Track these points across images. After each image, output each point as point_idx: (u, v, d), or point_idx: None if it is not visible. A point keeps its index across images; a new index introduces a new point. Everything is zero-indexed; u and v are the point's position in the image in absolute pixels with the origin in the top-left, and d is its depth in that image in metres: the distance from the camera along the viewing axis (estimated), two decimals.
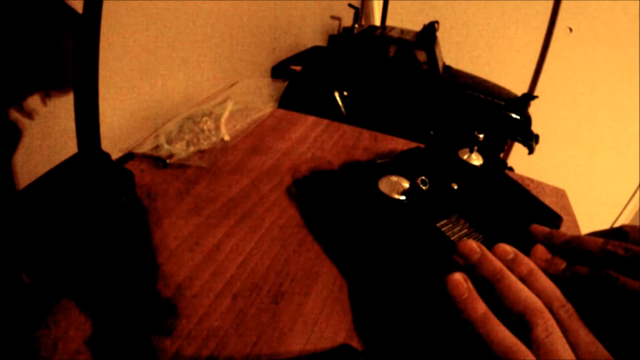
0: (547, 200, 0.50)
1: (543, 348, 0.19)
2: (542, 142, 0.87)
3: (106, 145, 0.40)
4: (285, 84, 0.69)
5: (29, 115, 0.39)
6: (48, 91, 0.40)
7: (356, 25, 0.88)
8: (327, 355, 0.30)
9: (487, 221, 0.34)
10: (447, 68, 0.92)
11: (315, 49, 0.98)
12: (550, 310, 0.21)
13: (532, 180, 0.54)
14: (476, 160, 0.41)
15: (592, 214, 1.46)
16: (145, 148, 0.50)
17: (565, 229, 0.37)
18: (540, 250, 0.26)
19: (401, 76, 0.85)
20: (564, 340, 0.20)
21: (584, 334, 0.20)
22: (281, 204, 0.45)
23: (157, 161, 0.49)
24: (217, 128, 0.55)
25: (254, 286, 0.35)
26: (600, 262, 0.23)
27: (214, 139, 0.53)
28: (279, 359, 0.30)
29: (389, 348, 0.31)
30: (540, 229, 0.27)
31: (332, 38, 0.90)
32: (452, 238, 0.32)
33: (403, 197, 0.36)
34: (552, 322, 0.20)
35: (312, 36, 1.04)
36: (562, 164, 1.46)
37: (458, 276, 0.23)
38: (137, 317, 0.31)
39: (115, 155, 0.49)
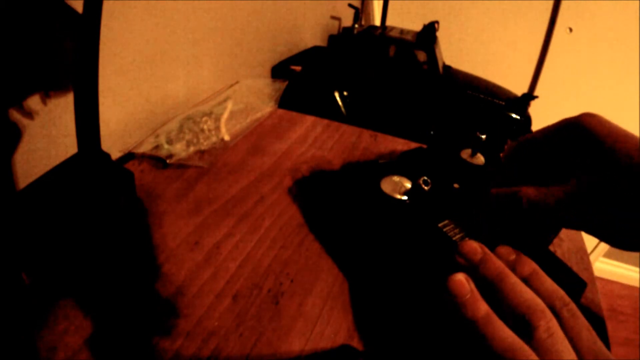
0: None
1: (545, 348, 0.19)
2: None
3: (106, 145, 0.40)
4: (285, 84, 0.69)
5: (29, 115, 0.39)
6: (48, 91, 0.40)
7: (356, 25, 0.88)
8: (327, 355, 0.30)
9: (489, 222, 0.34)
10: (447, 68, 0.92)
11: (315, 49, 0.98)
12: (553, 310, 0.21)
13: None
14: (478, 160, 0.41)
15: None
16: (145, 148, 0.50)
17: (565, 230, 0.37)
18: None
19: (401, 76, 0.85)
20: (565, 340, 0.20)
21: (586, 334, 0.21)
22: (281, 204, 0.44)
23: (157, 161, 0.49)
24: (217, 128, 0.55)
25: (254, 286, 0.35)
26: None
27: (214, 139, 0.53)
28: (279, 359, 0.30)
29: (389, 348, 0.31)
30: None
31: (332, 38, 0.89)
32: (454, 238, 0.32)
33: (405, 197, 0.36)
34: (553, 322, 0.20)
35: (312, 36, 1.04)
36: None
37: (460, 276, 0.23)
38: (137, 317, 0.31)
39: (115, 155, 0.49)
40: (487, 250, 0.24)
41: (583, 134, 0.27)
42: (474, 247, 0.24)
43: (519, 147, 0.32)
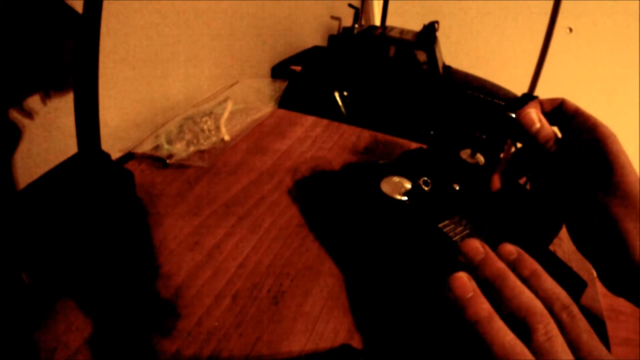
0: None
1: (543, 351, 0.19)
2: None
3: (106, 145, 0.40)
4: (285, 84, 0.69)
5: (29, 115, 0.39)
6: (48, 91, 0.40)
7: (356, 25, 0.88)
8: (327, 355, 0.30)
9: (489, 222, 0.34)
10: (447, 68, 0.92)
11: (315, 49, 0.98)
12: (552, 311, 0.21)
13: None
14: (478, 161, 0.41)
15: None
16: (145, 148, 0.50)
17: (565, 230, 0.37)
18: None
19: (401, 76, 0.85)
20: (564, 344, 0.20)
21: (586, 338, 0.20)
22: (281, 204, 0.44)
23: (157, 161, 0.49)
24: (217, 128, 0.54)
25: (254, 286, 0.35)
26: None
27: (214, 139, 0.53)
28: (279, 359, 0.30)
29: (389, 348, 0.31)
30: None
31: (332, 38, 0.89)
32: (454, 239, 0.32)
33: (405, 198, 0.36)
34: (552, 325, 0.20)
35: (312, 36, 1.04)
36: None
37: (462, 275, 0.22)
38: (137, 317, 0.31)
39: (115, 155, 0.49)
40: (488, 249, 0.24)
41: (596, 143, 0.28)
42: (475, 247, 0.24)
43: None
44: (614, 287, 0.29)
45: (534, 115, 0.30)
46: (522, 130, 0.30)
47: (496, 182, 0.32)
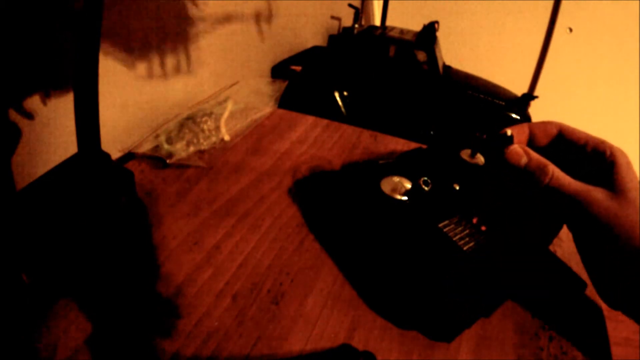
0: None
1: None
2: None
3: (106, 145, 0.40)
4: (285, 84, 0.69)
5: (29, 115, 0.39)
6: (48, 91, 0.40)
7: (356, 25, 0.88)
8: (327, 355, 0.30)
9: (490, 221, 0.34)
10: (447, 68, 0.92)
11: (315, 49, 0.98)
12: None
13: None
14: (478, 161, 0.41)
15: None
16: (145, 148, 0.50)
17: (565, 230, 0.37)
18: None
19: (401, 76, 0.85)
20: None
21: None
22: (281, 204, 0.45)
23: (157, 161, 0.49)
24: (217, 128, 0.54)
25: (254, 286, 0.35)
26: None
27: (214, 139, 0.53)
28: (279, 359, 0.30)
29: (389, 348, 0.31)
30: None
31: (332, 38, 0.89)
32: (454, 239, 0.32)
33: (405, 198, 0.36)
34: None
35: (312, 36, 1.04)
36: None
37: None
38: (137, 317, 0.31)
39: (115, 155, 0.49)
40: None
41: (608, 162, 0.30)
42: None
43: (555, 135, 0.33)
44: (614, 302, 0.30)
45: (517, 149, 0.31)
46: (514, 169, 0.31)
47: (521, 153, 0.31)
